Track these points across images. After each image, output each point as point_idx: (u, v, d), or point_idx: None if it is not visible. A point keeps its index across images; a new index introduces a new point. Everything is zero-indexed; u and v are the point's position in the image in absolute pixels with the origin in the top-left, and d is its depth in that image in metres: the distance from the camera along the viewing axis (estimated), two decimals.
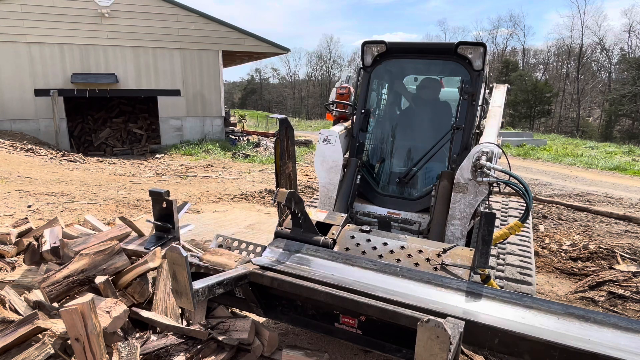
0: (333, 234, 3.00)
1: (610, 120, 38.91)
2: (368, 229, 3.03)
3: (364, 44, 4.07)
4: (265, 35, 19.12)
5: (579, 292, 4.71)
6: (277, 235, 3.05)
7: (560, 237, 6.65)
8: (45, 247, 3.61)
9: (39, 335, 2.44)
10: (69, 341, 2.33)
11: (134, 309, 2.81)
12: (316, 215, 3.15)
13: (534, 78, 47.35)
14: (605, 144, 25.27)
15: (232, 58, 21.91)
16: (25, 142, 14.21)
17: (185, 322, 2.93)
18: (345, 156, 3.96)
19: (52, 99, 15.85)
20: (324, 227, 3.08)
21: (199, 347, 2.65)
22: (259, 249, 3.44)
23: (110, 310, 2.53)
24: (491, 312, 2.25)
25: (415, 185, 3.94)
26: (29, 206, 6.64)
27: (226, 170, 12.38)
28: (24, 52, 15.51)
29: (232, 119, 22.40)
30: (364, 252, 2.85)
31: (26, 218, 4.59)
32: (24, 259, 3.73)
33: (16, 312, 2.81)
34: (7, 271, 3.66)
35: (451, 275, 2.57)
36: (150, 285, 3.06)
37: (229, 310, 3.22)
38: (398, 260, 2.75)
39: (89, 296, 2.36)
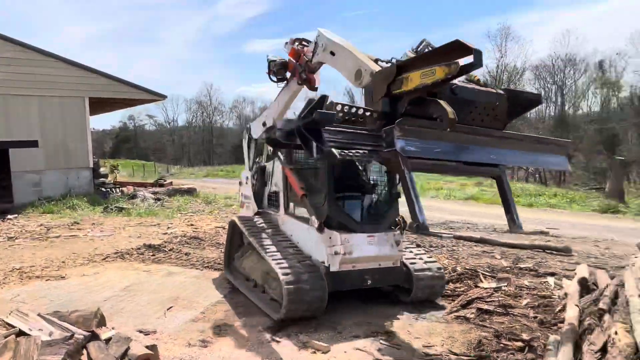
0: None
1: None
2: None
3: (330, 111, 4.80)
4: (143, 82, 18.31)
5: (454, 312, 5.18)
6: None
7: None
8: None
9: None
10: None
11: None
12: None
13: None
14: (460, 178, 29.08)
15: (102, 105, 20.35)
16: None
17: None
18: None
19: None
20: None
21: None
22: None
23: None
24: None
25: None
26: None
27: (97, 227, 11.13)
28: None
29: (102, 169, 20.47)
30: None
31: None
32: None
33: None
34: None
35: None
36: None
37: None
38: None
39: None
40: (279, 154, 5.75)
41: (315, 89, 5.18)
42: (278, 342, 4.34)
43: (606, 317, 4.03)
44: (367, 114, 3.70)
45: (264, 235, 5.59)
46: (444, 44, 3.24)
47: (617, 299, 4.33)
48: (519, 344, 4.18)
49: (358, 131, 3.92)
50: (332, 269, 4.83)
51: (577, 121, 40.99)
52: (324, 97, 3.57)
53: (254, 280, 5.66)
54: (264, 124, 6.01)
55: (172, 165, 53.18)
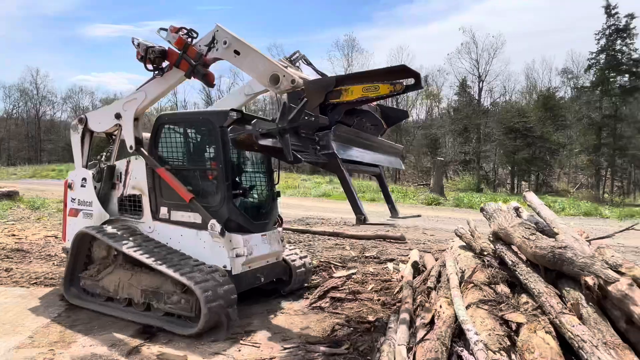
0: None
1: None
2: None
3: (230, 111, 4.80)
4: None
5: (312, 304, 5.48)
6: None
7: None
8: None
9: None
10: None
11: None
12: None
13: None
14: (314, 176, 30.78)
15: None
16: None
17: None
18: None
19: None
20: None
21: None
22: None
23: None
24: None
25: None
26: None
27: None
28: None
29: None
30: None
31: None
32: None
33: None
34: None
35: None
36: None
37: None
38: None
39: None
40: (142, 151, 5.15)
41: (213, 86, 4.91)
42: (127, 358, 3.97)
43: (433, 293, 4.76)
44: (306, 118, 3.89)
45: (139, 245, 4.86)
46: (390, 66, 3.95)
47: (441, 277, 5.16)
48: (366, 325, 4.65)
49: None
50: (234, 272, 4.70)
51: (408, 127, 47.13)
52: (307, 102, 3.66)
53: (127, 298, 4.90)
54: (118, 116, 5.27)
55: None
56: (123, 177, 5.52)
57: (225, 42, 4.44)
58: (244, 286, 4.90)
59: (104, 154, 5.86)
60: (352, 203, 3.72)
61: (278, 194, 5.69)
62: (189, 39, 4.64)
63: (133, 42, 4.83)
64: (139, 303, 4.82)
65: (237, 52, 4.40)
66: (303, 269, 5.87)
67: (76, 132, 5.73)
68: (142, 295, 4.78)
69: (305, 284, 6.09)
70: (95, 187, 5.57)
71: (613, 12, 33.28)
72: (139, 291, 4.80)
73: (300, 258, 5.93)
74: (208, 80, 4.72)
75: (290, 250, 6.02)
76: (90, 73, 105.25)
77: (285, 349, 4.18)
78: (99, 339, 4.35)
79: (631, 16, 32.69)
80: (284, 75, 4.02)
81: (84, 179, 5.63)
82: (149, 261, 4.62)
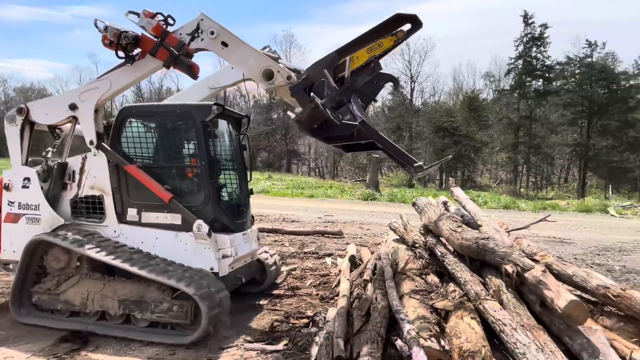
0: None
1: (254, 153, 47.29)
2: None
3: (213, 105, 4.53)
4: None
5: (248, 302, 5.42)
6: None
7: None
8: None
9: None
10: None
11: None
12: None
13: None
14: (252, 173, 30.44)
15: None
16: None
17: None
18: None
19: None
20: None
21: None
22: None
23: None
24: None
25: None
26: None
27: None
28: None
29: None
30: None
31: None
32: None
33: None
34: None
35: None
36: None
37: None
38: None
39: None
40: (106, 147, 4.64)
41: (197, 78, 4.52)
42: None
43: (369, 286, 4.92)
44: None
45: (113, 252, 4.37)
46: (384, 20, 3.82)
47: (376, 270, 5.34)
48: (305, 320, 4.70)
49: None
50: (221, 273, 4.46)
51: None
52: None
53: (100, 311, 4.39)
54: (73, 107, 4.65)
55: None
56: (77, 176, 4.84)
57: (212, 33, 4.15)
58: (229, 288, 4.57)
59: (51, 149, 5.06)
60: (403, 156, 3.82)
61: (251, 191, 5.52)
62: (165, 26, 4.26)
63: (96, 24, 4.27)
64: (116, 315, 4.34)
65: (224, 44, 4.18)
66: (275, 266, 5.81)
67: (13, 125, 4.88)
68: (121, 306, 4.30)
69: (277, 279, 6.01)
70: (42, 188, 4.82)
71: (530, 21, 36.36)
72: (116, 302, 4.31)
73: (271, 256, 5.84)
74: (192, 72, 4.39)
75: (261, 248, 5.86)
76: (1, 59, 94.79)
77: (222, 349, 4.09)
78: (16, 350, 3.98)
79: (545, 26, 35.97)
80: (278, 71, 3.91)
81: (27, 179, 4.82)
82: (134, 269, 4.18)
